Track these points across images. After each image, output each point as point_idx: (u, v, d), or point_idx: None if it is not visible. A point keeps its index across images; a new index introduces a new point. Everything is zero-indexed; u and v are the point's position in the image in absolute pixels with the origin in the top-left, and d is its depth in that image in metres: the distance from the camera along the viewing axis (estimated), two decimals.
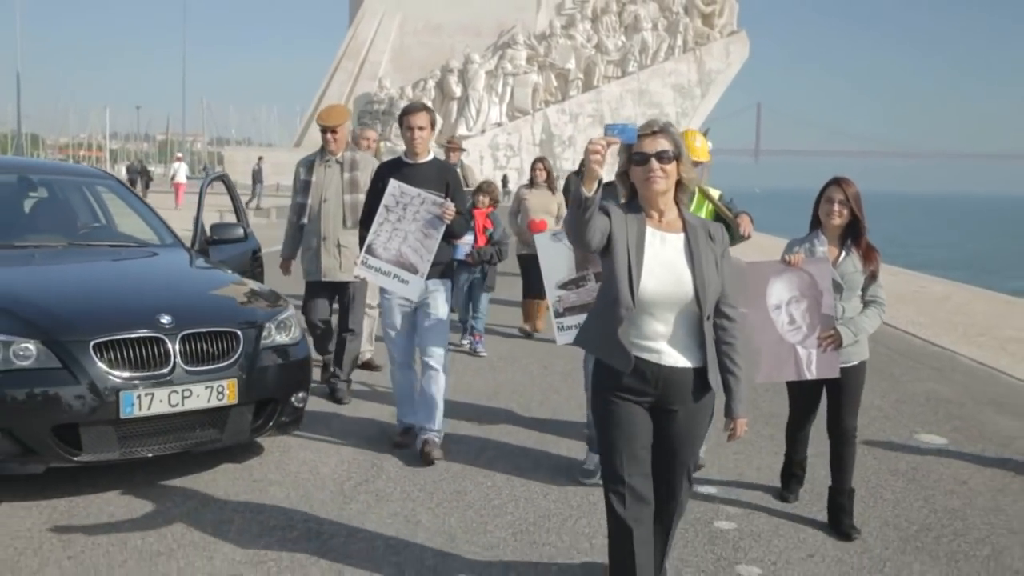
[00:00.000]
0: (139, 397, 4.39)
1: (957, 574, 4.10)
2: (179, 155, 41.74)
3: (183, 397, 4.50)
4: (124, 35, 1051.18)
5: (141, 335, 4.49)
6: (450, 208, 5.26)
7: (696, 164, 4.88)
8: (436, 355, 5.44)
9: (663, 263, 3.24)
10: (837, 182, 4.64)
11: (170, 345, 4.53)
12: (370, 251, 5.31)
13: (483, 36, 59.37)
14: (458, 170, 9.11)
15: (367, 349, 7.38)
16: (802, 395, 4.84)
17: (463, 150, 10.70)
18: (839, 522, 4.58)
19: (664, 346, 3.26)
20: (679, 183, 3.31)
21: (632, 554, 3.28)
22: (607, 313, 3.26)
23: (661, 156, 3.22)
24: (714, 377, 3.33)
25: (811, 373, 4.56)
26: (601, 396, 3.36)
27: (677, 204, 3.36)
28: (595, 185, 3.01)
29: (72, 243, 5.79)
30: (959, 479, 5.45)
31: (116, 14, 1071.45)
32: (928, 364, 9.01)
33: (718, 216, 5.14)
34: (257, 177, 34.21)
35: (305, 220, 6.53)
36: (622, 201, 3.43)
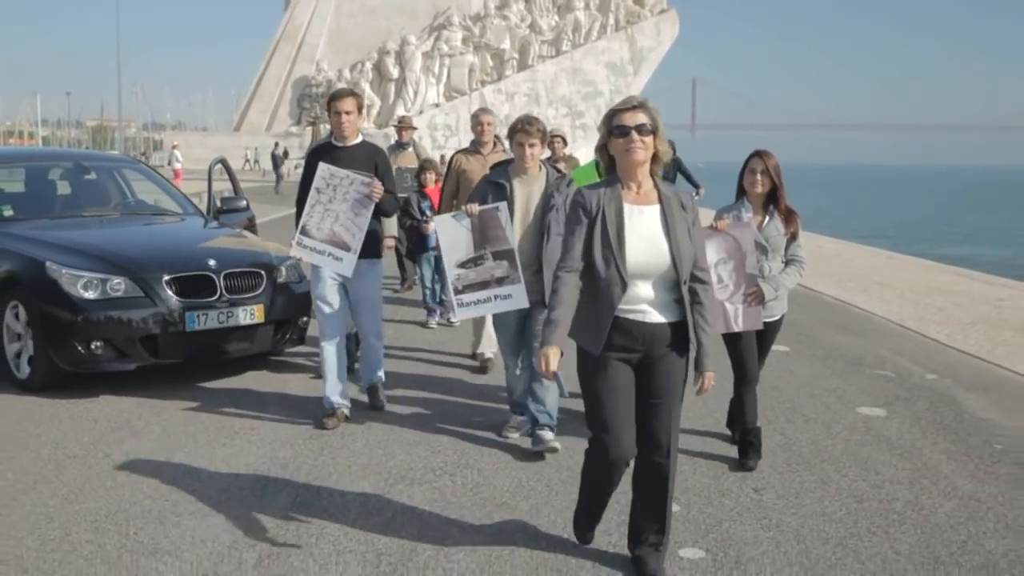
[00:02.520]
0: (198, 316, 6.23)
1: (764, 415, 6.09)
2: (176, 143, 42.85)
3: (227, 317, 6.36)
4: (53, 21, 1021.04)
5: (198, 273, 6.34)
6: (378, 187, 5.53)
7: None
8: (373, 329, 5.91)
9: (642, 235, 3.48)
10: (758, 154, 4.98)
11: (217, 280, 6.37)
12: (304, 232, 5.57)
13: (419, 18, 60.16)
14: (411, 149, 10.41)
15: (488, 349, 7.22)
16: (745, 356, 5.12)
17: (414, 128, 11.11)
18: (746, 455, 5.09)
19: (648, 307, 3.52)
20: (654, 155, 3.54)
21: (607, 483, 3.72)
22: (598, 297, 3.50)
23: (640, 128, 3.46)
24: (691, 335, 3.57)
25: (738, 326, 4.96)
26: (589, 355, 3.58)
27: (652, 176, 3.60)
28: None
29: (124, 212, 7.62)
30: (787, 370, 7.50)
31: None
32: (795, 302, 11.01)
33: None
34: (278, 162, 36.00)
35: None
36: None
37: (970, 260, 21.92)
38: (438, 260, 8.61)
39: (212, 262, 6.44)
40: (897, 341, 8.91)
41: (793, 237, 5.02)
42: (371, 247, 5.69)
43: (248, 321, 6.45)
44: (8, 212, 7.10)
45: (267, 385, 6.53)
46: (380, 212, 5.71)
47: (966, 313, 10.64)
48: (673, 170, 13.94)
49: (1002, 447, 5.57)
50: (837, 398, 6.66)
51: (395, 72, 58.30)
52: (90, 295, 6.04)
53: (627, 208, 3.51)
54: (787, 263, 5.05)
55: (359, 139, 5.82)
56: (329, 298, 5.69)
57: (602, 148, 3.60)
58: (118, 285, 6.11)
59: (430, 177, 8.93)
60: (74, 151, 12.27)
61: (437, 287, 8.95)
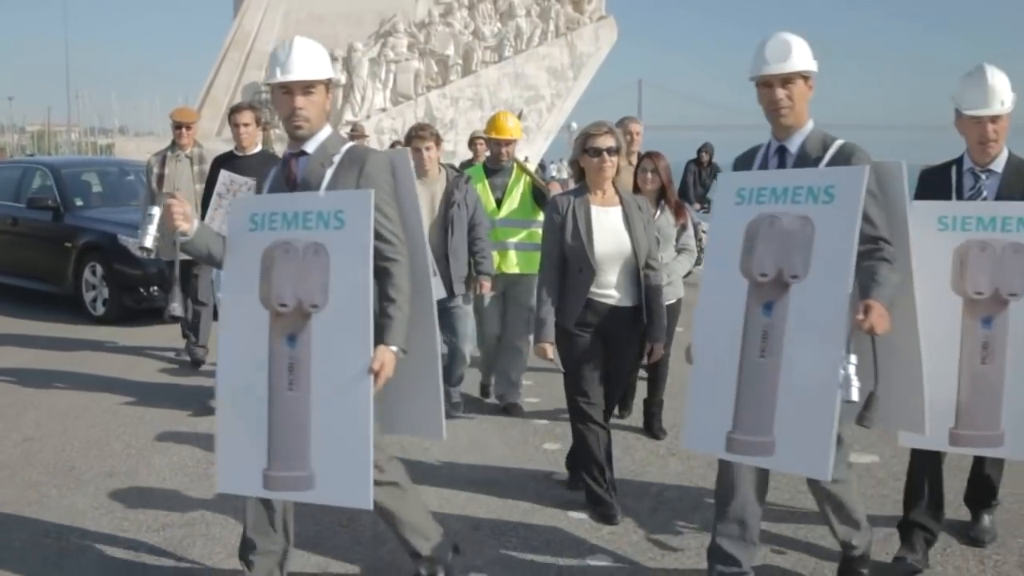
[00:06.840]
0: None
1: None
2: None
3: None
4: None
5: None
6: None
7: (510, 142, 5.95)
8: None
9: (608, 230, 4.10)
10: (649, 156, 5.34)
11: None
12: None
13: (365, 25, 60.88)
14: None
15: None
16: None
17: (366, 136, 12.16)
18: (651, 426, 5.47)
19: (614, 292, 4.12)
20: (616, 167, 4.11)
21: (598, 441, 4.17)
22: (574, 283, 4.09)
23: (611, 151, 4.07)
24: (644, 310, 4.11)
25: None
26: (565, 331, 4.14)
27: (613, 184, 4.17)
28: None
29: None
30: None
31: None
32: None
33: (535, 185, 6.01)
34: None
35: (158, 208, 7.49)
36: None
37: None
38: None
39: None
40: None
41: (683, 228, 5.38)
42: None
43: None
44: (80, 202, 9.94)
45: None
46: None
47: None
48: (711, 176, 15.03)
49: None
50: None
51: (343, 78, 59.23)
52: (148, 257, 8.80)
53: (594, 209, 4.16)
54: (679, 252, 5.41)
55: (258, 148, 6.37)
56: None
57: (574, 163, 4.25)
58: (149, 253, 8.86)
59: None
60: (117, 159, 14.99)
61: None
